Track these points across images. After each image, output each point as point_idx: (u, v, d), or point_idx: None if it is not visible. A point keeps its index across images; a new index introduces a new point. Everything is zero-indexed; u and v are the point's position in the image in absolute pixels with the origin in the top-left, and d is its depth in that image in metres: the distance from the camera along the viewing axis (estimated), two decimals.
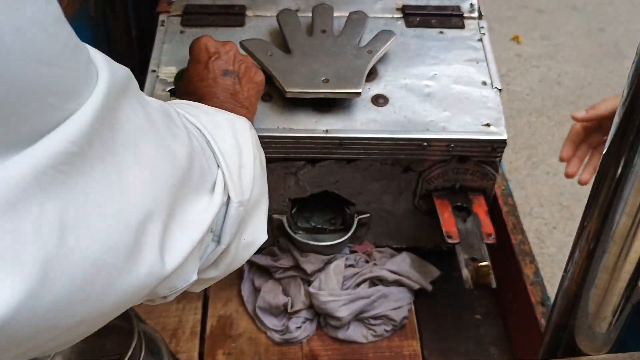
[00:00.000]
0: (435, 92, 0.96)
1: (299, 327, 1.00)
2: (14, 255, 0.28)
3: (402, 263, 1.05)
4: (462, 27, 1.06)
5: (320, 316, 1.01)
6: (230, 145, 0.50)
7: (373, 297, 1.00)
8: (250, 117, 0.75)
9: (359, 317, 1.00)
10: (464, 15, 1.08)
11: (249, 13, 1.07)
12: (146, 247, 0.36)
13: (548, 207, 2.14)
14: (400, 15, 1.08)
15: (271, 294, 1.02)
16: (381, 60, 0.99)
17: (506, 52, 2.78)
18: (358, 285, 1.01)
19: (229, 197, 0.47)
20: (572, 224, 2.08)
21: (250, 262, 1.06)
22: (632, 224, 0.49)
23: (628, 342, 0.68)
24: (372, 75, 0.98)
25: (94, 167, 0.32)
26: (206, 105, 0.56)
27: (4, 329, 0.28)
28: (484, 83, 0.98)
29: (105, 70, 0.34)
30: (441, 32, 1.05)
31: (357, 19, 1.02)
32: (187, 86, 0.75)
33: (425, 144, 0.91)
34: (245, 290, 1.06)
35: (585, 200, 1.89)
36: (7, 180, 0.28)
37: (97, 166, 0.33)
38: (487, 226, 0.95)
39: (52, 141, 0.30)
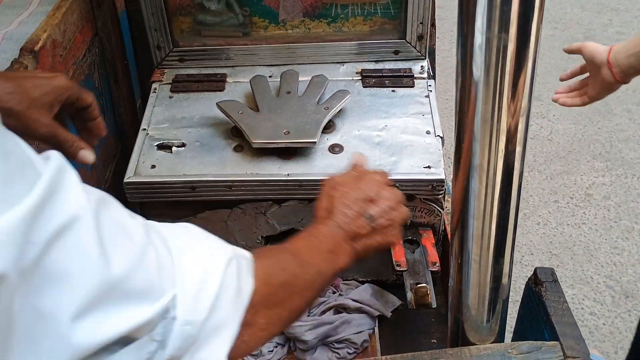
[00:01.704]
0: (385, 141, 1.12)
1: (271, 351, 1.12)
2: None
3: (364, 293, 1.17)
4: (412, 86, 1.23)
5: (291, 341, 1.14)
6: (193, 269, 0.55)
7: (336, 323, 1.12)
8: None
9: (324, 342, 1.12)
10: (415, 76, 1.24)
11: (229, 80, 1.25)
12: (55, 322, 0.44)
13: (538, 256, 2.23)
14: (359, 77, 1.25)
15: None
16: (339, 115, 1.16)
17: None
18: (323, 312, 1.14)
19: (175, 316, 0.52)
20: (560, 271, 2.17)
21: None
22: (482, 226, 0.63)
23: (527, 333, 0.80)
24: (330, 128, 1.14)
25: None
26: (201, 231, 0.62)
27: None
28: (428, 132, 1.13)
29: (46, 176, 0.42)
30: (393, 91, 1.22)
31: (318, 82, 1.19)
32: None
33: None
34: None
35: (574, 248, 2.03)
36: None
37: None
38: (433, 256, 1.08)
39: None
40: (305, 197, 1.09)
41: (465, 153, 0.59)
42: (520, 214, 2.31)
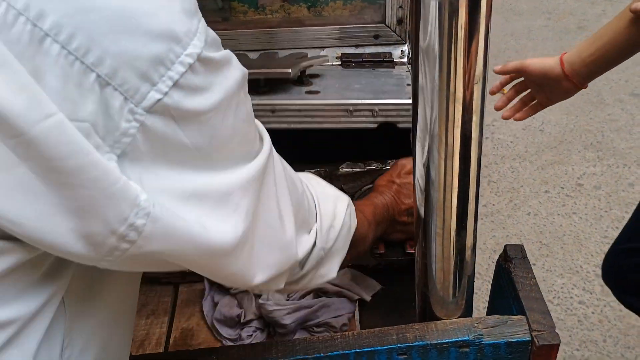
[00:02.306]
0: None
1: (250, 336, 1.12)
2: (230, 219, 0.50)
3: (344, 277, 1.17)
4: (392, 68, 1.22)
5: (270, 326, 1.13)
6: (328, 211, 0.73)
7: (315, 307, 1.12)
8: None
9: (304, 326, 1.12)
10: (395, 60, 1.24)
11: None
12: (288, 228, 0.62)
13: (528, 245, 2.23)
14: (339, 62, 1.25)
15: (227, 307, 1.15)
16: (319, 80, 1.15)
17: (492, 104, 2.93)
18: (303, 296, 1.14)
19: (315, 242, 0.70)
20: (550, 260, 2.17)
21: (210, 281, 1.20)
22: (444, 198, 0.63)
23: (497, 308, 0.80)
24: (309, 84, 1.14)
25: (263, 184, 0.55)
26: (321, 180, 0.80)
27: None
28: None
29: (267, 139, 0.57)
30: (373, 70, 1.22)
31: (297, 53, 1.19)
32: None
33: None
34: (206, 305, 1.19)
35: (564, 238, 2.04)
36: (228, 183, 0.50)
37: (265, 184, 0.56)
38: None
39: (248, 168, 0.52)
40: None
41: (422, 123, 0.58)
42: (510, 204, 2.31)
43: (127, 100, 0.41)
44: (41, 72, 0.38)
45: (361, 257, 0.93)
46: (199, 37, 0.45)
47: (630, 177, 2.49)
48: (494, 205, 2.39)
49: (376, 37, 1.25)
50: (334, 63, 1.25)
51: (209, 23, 1.34)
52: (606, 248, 2.21)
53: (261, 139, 0.57)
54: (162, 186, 0.45)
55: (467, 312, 0.73)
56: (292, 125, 1.08)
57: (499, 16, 3.62)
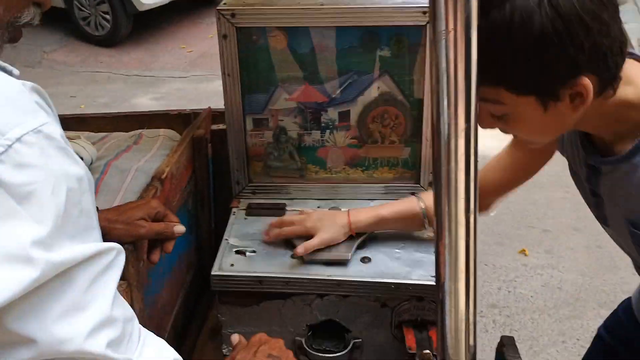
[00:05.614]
0: (402, 256, 1.50)
1: None
2: None
3: None
4: None
5: None
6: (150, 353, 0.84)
7: None
8: None
9: None
10: None
11: (287, 208, 1.68)
12: None
13: None
14: None
15: None
16: (369, 236, 1.55)
17: (514, 262, 3.28)
18: None
19: None
20: None
21: None
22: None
23: None
24: (363, 246, 1.53)
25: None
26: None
27: None
28: None
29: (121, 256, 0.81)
30: None
31: None
32: None
33: (392, 286, 1.42)
34: None
35: None
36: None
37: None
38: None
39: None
40: (342, 294, 1.45)
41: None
42: (530, 351, 2.66)
43: None
44: None
45: None
46: (23, 127, 0.63)
47: None
48: None
49: (413, 194, 1.67)
50: None
51: (290, 178, 1.82)
52: None
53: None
54: None
55: None
56: (352, 294, 1.45)
57: (522, 188, 4.07)
